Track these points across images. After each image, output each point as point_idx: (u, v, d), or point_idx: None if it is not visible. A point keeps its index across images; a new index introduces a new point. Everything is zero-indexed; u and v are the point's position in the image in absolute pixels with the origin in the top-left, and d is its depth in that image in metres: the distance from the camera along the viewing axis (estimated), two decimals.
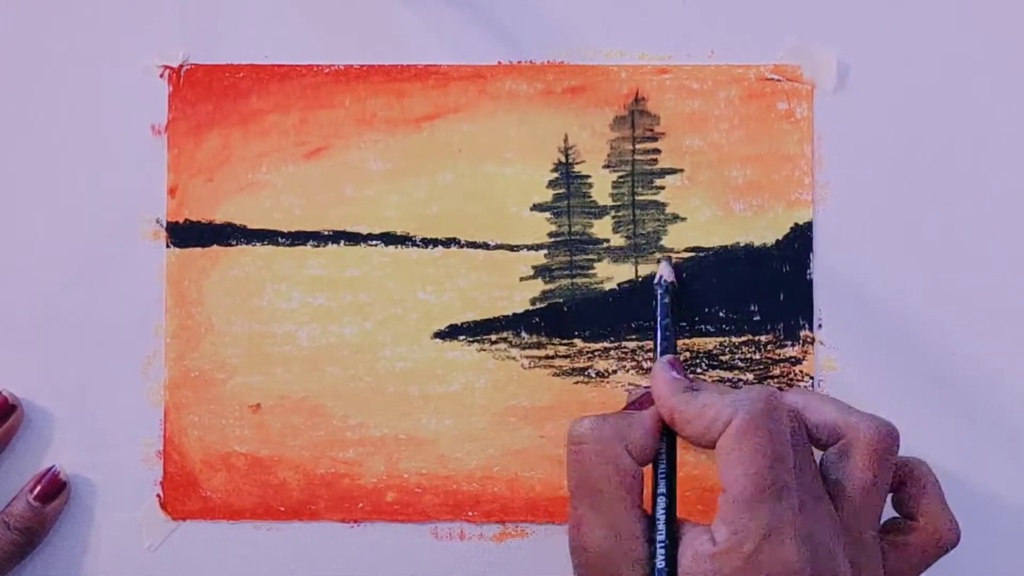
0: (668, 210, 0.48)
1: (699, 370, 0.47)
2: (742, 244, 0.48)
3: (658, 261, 0.47)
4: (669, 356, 0.43)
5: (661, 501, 0.39)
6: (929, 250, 0.48)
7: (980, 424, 0.47)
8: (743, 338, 0.47)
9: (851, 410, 0.40)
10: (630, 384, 0.46)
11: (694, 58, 0.48)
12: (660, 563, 0.38)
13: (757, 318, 0.47)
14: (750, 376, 0.47)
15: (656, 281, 0.46)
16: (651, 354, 0.47)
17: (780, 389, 0.42)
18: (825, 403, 0.41)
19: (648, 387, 0.43)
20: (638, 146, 0.48)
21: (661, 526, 0.39)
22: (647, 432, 0.40)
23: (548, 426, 0.47)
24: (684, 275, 0.47)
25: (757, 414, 0.37)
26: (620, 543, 0.38)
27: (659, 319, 0.45)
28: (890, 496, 0.41)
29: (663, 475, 0.40)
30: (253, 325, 0.48)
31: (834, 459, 0.39)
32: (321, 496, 0.48)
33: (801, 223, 0.48)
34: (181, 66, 0.48)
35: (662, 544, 0.38)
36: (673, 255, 0.47)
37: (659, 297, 0.45)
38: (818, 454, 0.40)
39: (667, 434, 0.41)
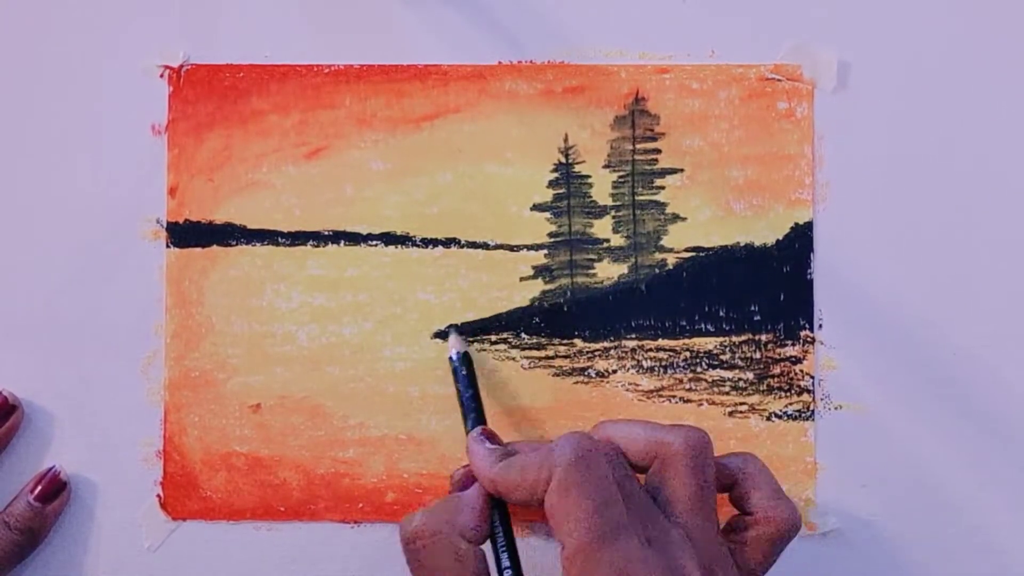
0: (668, 210, 0.48)
1: (699, 370, 0.47)
2: (742, 244, 0.48)
3: (446, 334, 0.47)
4: (480, 428, 0.43)
5: (507, 575, 0.40)
6: (929, 250, 0.48)
7: (980, 424, 0.47)
8: (743, 338, 0.47)
9: (659, 427, 0.40)
10: (456, 469, 0.45)
11: (694, 58, 0.48)
12: None
13: (757, 318, 0.47)
14: (750, 375, 0.47)
15: (449, 356, 0.46)
16: (652, 353, 0.48)
17: (594, 428, 0.42)
18: (634, 428, 0.40)
19: (467, 470, 0.43)
20: (638, 146, 0.48)
21: None
22: (476, 511, 0.40)
23: (548, 426, 0.47)
24: (471, 343, 0.47)
25: (572, 465, 0.37)
26: None
27: (462, 391, 0.45)
28: (728, 496, 0.42)
29: (503, 548, 0.40)
30: (253, 325, 0.48)
31: (656, 479, 0.39)
32: (321, 496, 0.48)
33: (801, 223, 0.48)
34: (181, 66, 0.48)
35: None
36: (456, 327, 0.47)
37: (456, 370, 0.45)
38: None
39: (498, 506, 0.41)
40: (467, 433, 0.44)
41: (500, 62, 0.48)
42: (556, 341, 0.48)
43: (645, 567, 0.36)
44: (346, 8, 0.49)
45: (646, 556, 0.36)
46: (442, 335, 0.48)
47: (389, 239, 0.48)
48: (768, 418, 0.47)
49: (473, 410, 0.44)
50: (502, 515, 0.41)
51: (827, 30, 0.48)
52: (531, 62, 0.48)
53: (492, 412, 0.47)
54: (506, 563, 0.40)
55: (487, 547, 0.41)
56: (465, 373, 0.45)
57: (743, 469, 0.41)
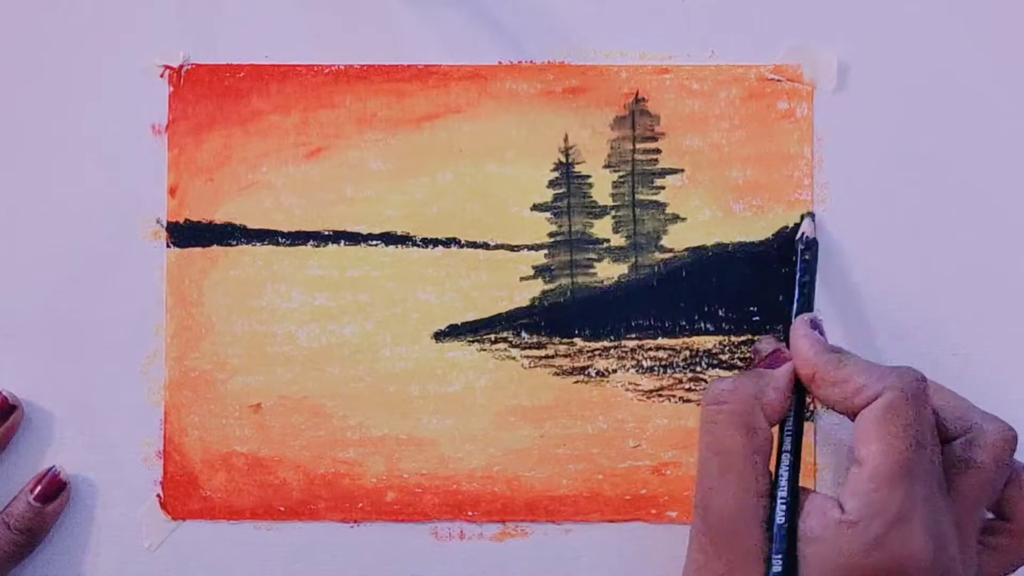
0: (668, 210, 0.48)
1: (699, 369, 0.47)
2: (742, 244, 0.48)
3: (801, 218, 0.47)
4: (810, 314, 0.43)
5: (785, 459, 0.40)
6: (929, 250, 0.48)
7: None
8: (743, 338, 0.47)
9: (976, 408, 0.40)
10: (757, 338, 0.45)
11: (694, 58, 0.48)
12: (780, 519, 0.38)
13: (757, 318, 0.47)
14: None
15: (798, 237, 0.46)
16: (652, 352, 0.48)
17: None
18: (954, 397, 0.41)
19: (776, 345, 0.43)
20: (638, 146, 0.48)
21: (784, 483, 0.39)
22: (781, 391, 0.40)
23: (548, 426, 0.47)
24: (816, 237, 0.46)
25: (908, 394, 0.38)
26: (748, 505, 0.38)
27: (798, 276, 0.44)
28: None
29: (789, 433, 0.40)
30: (253, 325, 0.48)
31: (957, 453, 0.39)
32: (321, 496, 0.48)
33: (802, 223, 0.48)
34: (181, 66, 0.48)
35: (783, 501, 0.38)
36: (808, 215, 0.46)
37: (799, 253, 0.45)
38: None
39: (798, 392, 0.41)
40: (792, 316, 0.43)
41: (500, 62, 0.48)
42: (556, 341, 0.48)
43: (922, 522, 0.36)
44: (346, 8, 0.49)
45: (926, 512, 0.36)
46: (443, 335, 0.48)
47: (389, 239, 0.48)
48: None
49: (804, 296, 0.44)
50: (799, 402, 0.41)
51: (827, 30, 0.48)
52: (531, 62, 0.48)
53: (492, 411, 0.47)
54: (787, 447, 0.40)
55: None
56: (807, 259, 0.44)
57: (1018, 477, 0.40)
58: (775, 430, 0.41)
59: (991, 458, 0.39)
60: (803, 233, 0.46)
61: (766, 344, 0.45)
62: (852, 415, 0.39)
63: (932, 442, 0.38)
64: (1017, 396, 0.47)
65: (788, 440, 0.40)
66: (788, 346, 0.43)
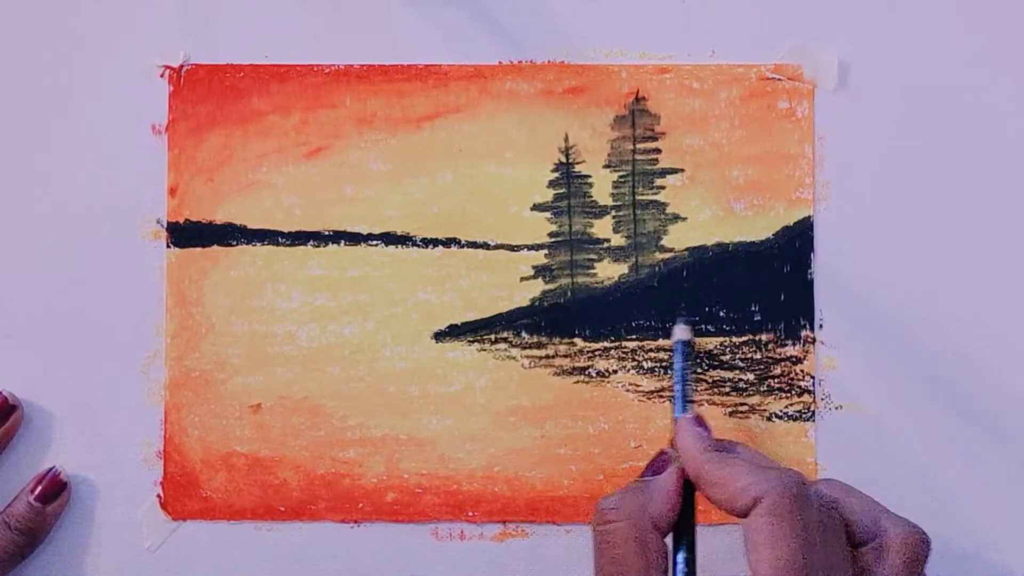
0: (669, 210, 0.48)
1: (699, 370, 0.47)
2: (743, 244, 0.48)
3: (446, 335, 0.47)
4: (693, 413, 0.43)
5: (681, 562, 0.39)
6: (929, 250, 0.47)
7: (980, 424, 0.47)
8: (744, 338, 0.47)
9: (885, 511, 0.40)
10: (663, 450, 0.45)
11: (694, 58, 0.48)
12: None
13: (758, 318, 0.47)
14: (751, 376, 0.47)
15: (674, 341, 0.45)
16: (652, 353, 0.47)
17: (813, 479, 0.42)
18: (860, 500, 0.40)
19: (664, 451, 0.43)
20: (638, 146, 0.48)
21: None
22: (669, 499, 0.40)
23: (548, 426, 0.47)
24: (695, 342, 0.47)
25: (789, 496, 0.37)
26: None
27: (677, 375, 0.44)
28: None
29: (684, 536, 0.39)
30: (253, 325, 0.48)
31: (868, 559, 0.38)
32: (321, 496, 0.48)
33: (802, 223, 0.48)
34: (181, 66, 0.48)
35: None
36: (680, 318, 0.46)
37: (677, 354, 0.44)
38: None
39: (687, 493, 0.40)
40: (675, 415, 0.43)
41: (500, 62, 0.48)
42: (556, 341, 0.48)
43: None
44: (346, 8, 0.49)
45: None
46: (443, 335, 0.48)
47: (389, 239, 0.48)
48: (769, 418, 0.47)
49: (686, 394, 0.43)
50: (688, 503, 0.40)
51: (827, 30, 0.48)
52: (531, 62, 0.48)
53: (492, 411, 0.47)
54: (683, 554, 0.39)
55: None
56: (687, 360, 0.44)
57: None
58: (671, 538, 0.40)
59: (901, 562, 0.38)
60: (679, 339, 0.45)
61: (657, 456, 0.44)
62: (740, 516, 0.38)
63: (828, 543, 0.37)
64: (1017, 396, 0.47)
65: (682, 547, 0.39)
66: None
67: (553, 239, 0.48)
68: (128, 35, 0.49)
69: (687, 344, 0.44)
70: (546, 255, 0.48)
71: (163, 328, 0.48)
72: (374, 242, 0.48)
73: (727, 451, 0.40)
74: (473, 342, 0.48)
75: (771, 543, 0.36)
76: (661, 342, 0.48)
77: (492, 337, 0.48)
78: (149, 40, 0.49)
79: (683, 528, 0.40)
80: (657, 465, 0.42)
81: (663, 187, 0.48)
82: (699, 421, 0.42)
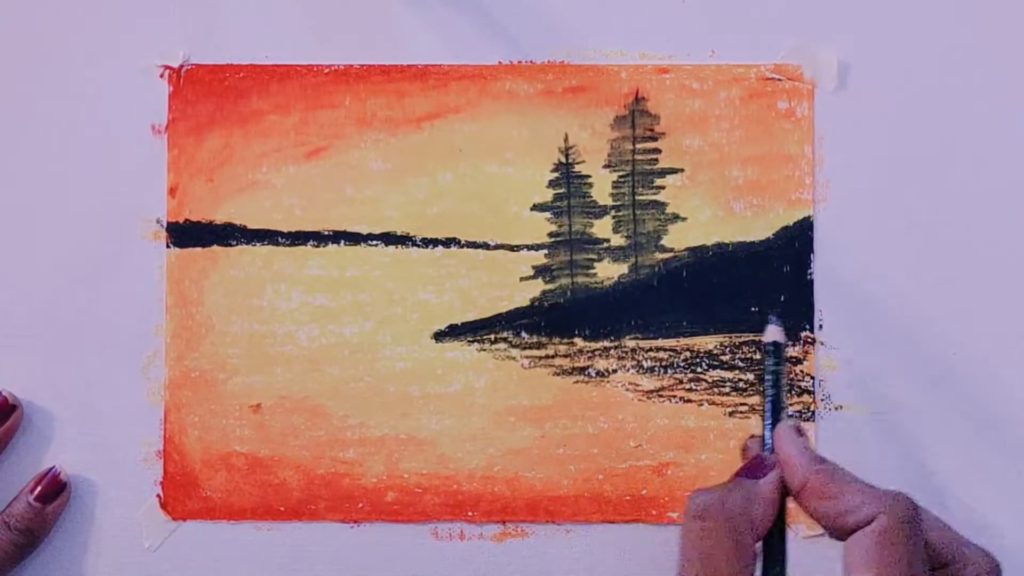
0: (668, 210, 0.48)
1: (699, 370, 0.47)
2: (743, 244, 0.48)
3: (446, 335, 0.47)
4: (794, 421, 0.41)
5: (774, 569, 0.39)
6: (929, 250, 0.48)
7: (980, 424, 0.47)
8: (743, 338, 0.47)
9: (963, 538, 0.39)
10: (748, 439, 0.44)
11: (694, 58, 0.48)
12: None
13: (758, 318, 0.47)
14: (751, 376, 0.47)
15: (765, 343, 0.42)
16: (652, 353, 0.47)
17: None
18: (942, 525, 0.39)
19: (762, 456, 0.42)
20: (638, 146, 0.48)
21: None
22: (771, 506, 0.39)
23: (548, 426, 0.47)
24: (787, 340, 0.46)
25: (903, 522, 0.36)
26: None
27: (768, 383, 0.41)
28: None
29: (776, 545, 0.39)
30: (253, 325, 0.48)
31: None
32: (321, 496, 0.48)
33: (802, 223, 0.48)
34: (181, 66, 0.48)
35: None
36: (773, 317, 0.43)
37: (768, 358, 0.42)
38: None
39: (781, 501, 0.39)
40: (769, 421, 0.41)
41: (500, 62, 0.48)
42: (556, 341, 0.48)
43: None
44: (346, 8, 0.49)
45: None
46: (443, 335, 0.48)
47: (389, 239, 0.48)
48: None
49: (781, 400, 0.41)
50: (782, 512, 0.39)
51: (827, 30, 0.48)
52: (531, 62, 0.48)
53: (492, 411, 0.47)
54: (776, 562, 0.39)
55: None
56: (776, 364, 0.42)
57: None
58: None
59: None
60: (771, 339, 0.42)
61: (752, 443, 0.42)
62: (841, 534, 0.37)
63: (923, 572, 0.37)
64: (1017, 396, 0.47)
65: (774, 555, 0.39)
66: (772, 451, 0.41)
67: (553, 239, 0.48)
68: (128, 35, 0.49)
69: (779, 346, 0.42)
70: (546, 255, 0.48)
71: (163, 328, 0.48)
72: (374, 242, 0.48)
73: (834, 468, 0.39)
74: (473, 342, 0.48)
75: (879, 566, 0.36)
76: (661, 342, 0.48)
77: (492, 337, 0.48)
78: (149, 40, 0.49)
79: (775, 537, 0.39)
80: (755, 468, 0.40)
81: (663, 187, 0.48)
82: (800, 430, 0.41)
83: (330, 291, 0.48)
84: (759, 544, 0.39)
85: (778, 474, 0.39)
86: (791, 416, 0.42)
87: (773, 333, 0.42)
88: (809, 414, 0.47)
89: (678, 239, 0.48)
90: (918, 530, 0.37)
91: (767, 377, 0.41)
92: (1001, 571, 0.39)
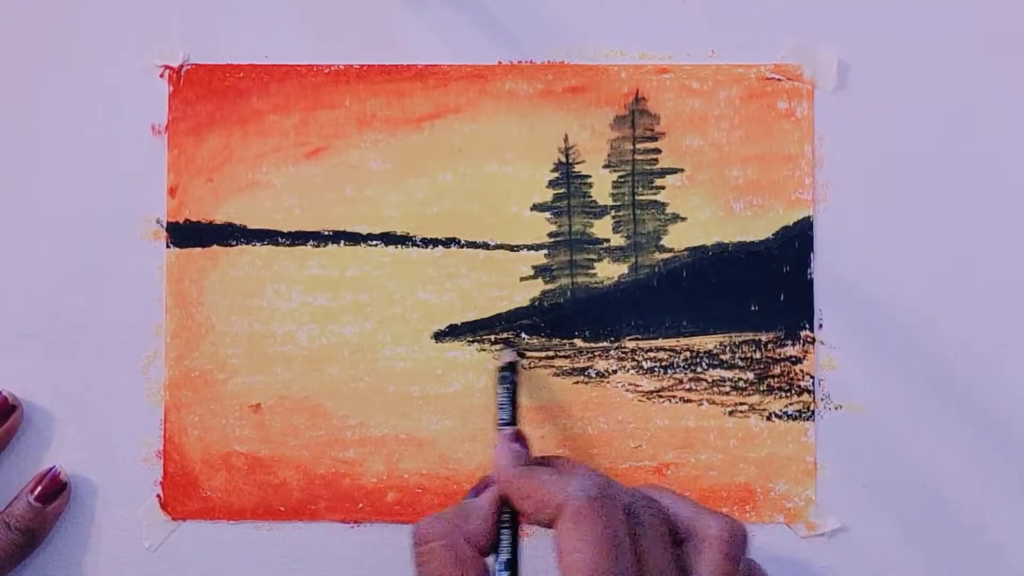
0: (668, 210, 0.48)
1: (699, 370, 0.47)
2: (743, 244, 0.48)
3: (446, 335, 0.47)
4: (513, 428, 0.42)
5: None
6: (929, 250, 0.48)
7: (980, 424, 0.47)
8: (743, 337, 0.47)
9: (703, 508, 0.39)
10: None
11: (694, 58, 0.48)
12: None
13: (758, 318, 0.47)
14: (751, 375, 0.47)
15: (499, 365, 0.46)
16: (652, 353, 0.48)
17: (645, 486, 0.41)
18: (677, 500, 0.40)
19: (487, 476, 0.43)
20: (638, 146, 0.48)
21: None
22: (486, 518, 0.39)
23: (548, 426, 0.47)
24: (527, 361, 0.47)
25: (589, 499, 0.36)
26: None
27: (499, 395, 0.44)
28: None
29: (504, 561, 0.39)
30: (253, 325, 0.48)
31: (688, 554, 0.38)
32: (321, 496, 0.48)
33: (802, 223, 0.48)
34: (181, 66, 0.48)
35: None
36: (505, 345, 0.47)
37: (504, 377, 0.45)
38: None
39: (509, 511, 0.40)
40: (497, 431, 0.43)
41: (500, 62, 0.48)
42: (556, 341, 0.48)
43: None
44: (346, 8, 0.49)
45: None
46: (443, 335, 0.48)
47: (389, 239, 0.48)
48: (768, 418, 0.47)
49: (508, 411, 0.43)
50: (513, 521, 0.40)
51: (827, 30, 0.48)
52: (531, 62, 0.48)
53: (492, 411, 0.47)
54: (502, 569, 0.39)
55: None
56: (508, 377, 0.44)
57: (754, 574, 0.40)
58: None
59: (721, 555, 0.37)
60: (505, 360, 0.46)
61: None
62: (549, 527, 0.38)
63: (648, 544, 0.37)
64: (1017, 396, 0.47)
65: (503, 565, 0.39)
66: None
67: (553, 239, 0.48)
68: (128, 35, 0.49)
69: (509, 367, 0.45)
70: (546, 255, 0.48)
71: (163, 328, 0.48)
72: (374, 242, 0.48)
73: (543, 464, 0.40)
74: (473, 342, 0.48)
75: (576, 549, 0.36)
76: (661, 342, 0.48)
77: (492, 337, 0.48)
78: (149, 40, 0.49)
79: (504, 547, 0.39)
80: (478, 487, 0.42)
81: (663, 187, 0.48)
82: (517, 437, 0.42)
83: (330, 291, 0.48)
84: (492, 558, 0.39)
85: (496, 487, 0.40)
86: (515, 427, 0.43)
87: (508, 356, 0.46)
88: (809, 414, 0.47)
89: (678, 239, 0.48)
90: (610, 506, 0.36)
91: (499, 392, 0.44)
92: (745, 535, 0.38)
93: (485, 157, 0.48)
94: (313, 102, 0.48)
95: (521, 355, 0.47)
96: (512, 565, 0.39)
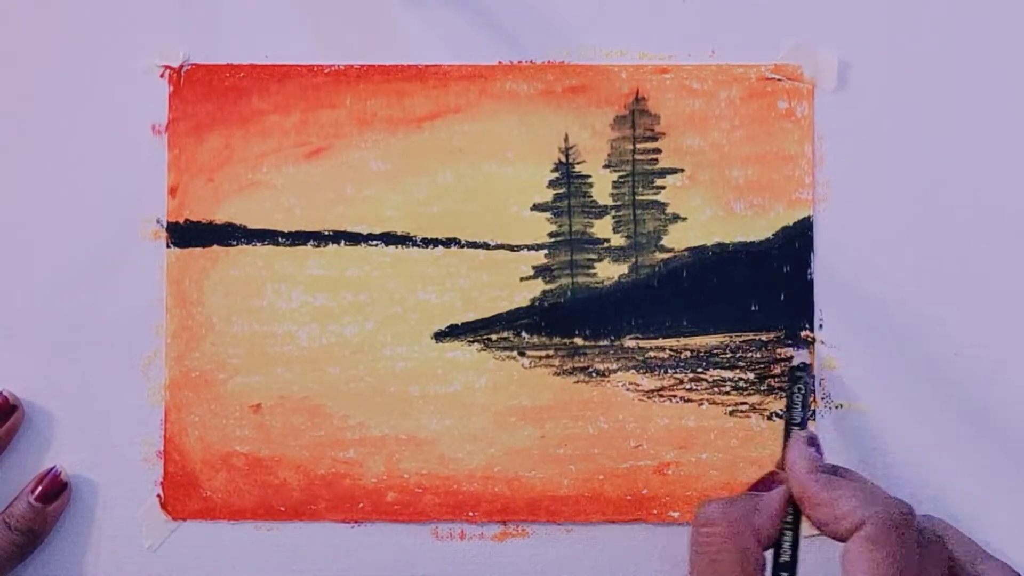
0: (669, 210, 0.48)
1: (699, 369, 0.47)
2: (743, 244, 0.48)
3: (446, 335, 0.47)
4: (810, 431, 0.42)
5: None
6: (929, 250, 0.48)
7: (980, 424, 0.47)
8: (744, 337, 0.47)
9: (983, 551, 0.40)
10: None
11: (694, 58, 0.48)
12: None
13: (758, 318, 0.47)
14: (751, 375, 0.47)
15: (794, 366, 0.46)
16: (652, 353, 0.47)
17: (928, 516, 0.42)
18: (960, 538, 0.40)
19: (774, 472, 0.43)
20: (638, 146, 0.48)
21: None
22: (773, 516, 0.40)
23: (549, 426, 0.47)
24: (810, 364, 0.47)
25: (891, 525, 0.37)
26: None
27: (791, 398, 0.44)
28: None
29: (786, 554, 0.39)
30: (253, 325, 0.48)
31: None
32: (321, 496, 0.48)
33: (802, 223, 0.48)
34: (181, 66, 0.48)
35: None
36: (801, 344, 0.47)
37: (793, 379, 0.45)
38: None
39: (793, 511, 0.40)
40: (789, 432, 0.43)
41: (500, 62, 0.48)
42: (556, 341, 0.48)
43: None
44: (346, 8, 0.49)
45: None
46: (443, 335, 0.48)
47: (389, 239, 0.48)
48: (769, 418, 0.47)
49: (800, 412, 0.43)
50: (795, 520, 0.40)
51: (827, 30, 0.48)
52: (531, 62, 0.48)
53: (492, 411, 0.47)
54: (783, 570, 0.39)
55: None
56: (802, 377, 0.45)
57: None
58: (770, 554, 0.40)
59: None
60: (799, 361, 0.46)
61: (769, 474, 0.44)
62: (840, 540, 0.38)
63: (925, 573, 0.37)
64: (1017, 396, 0.47)
65: (783, 564, 0.39)
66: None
67: (553, 239, 0.48)
68: (128, 35, 0.49)
69: (802, 368, 0.45)
70: (546, 255, 0.48)
71: (163, 328, 0.48)
72: (374, 242, 0.48)
73: (837, 474, 0.40)
74: (473, 342, 0.48)
75: (868, 571, 0.36)
76: (661, 341, 0.48)
77: (492, 337, 0.48)
78: (149, 40, 0.49)
79: (785, 547, 0.40)
80: (765, 483, 0.42)
81: (663, 187, 0.48)
82: (813, 440, 0.42)
83: (330, 291, 0.48)
84: (769, 553, 0.39)
85: (786, 486, 0.40)
86: (810, 428, 0.43)
87: (802, 356, 0.46)
88: (810, 413, 0.47)
89: (678, 239, 0.48)
90: (908, 535, 0.37)
91: (791, 395, 0.44)
92: None
93: (485, 157, 0.48)
94: (313, 102, 0.48)
95: (812, 352, 0.47)
96: (791, 567, 0.39)
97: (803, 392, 0.44)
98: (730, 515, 0.39)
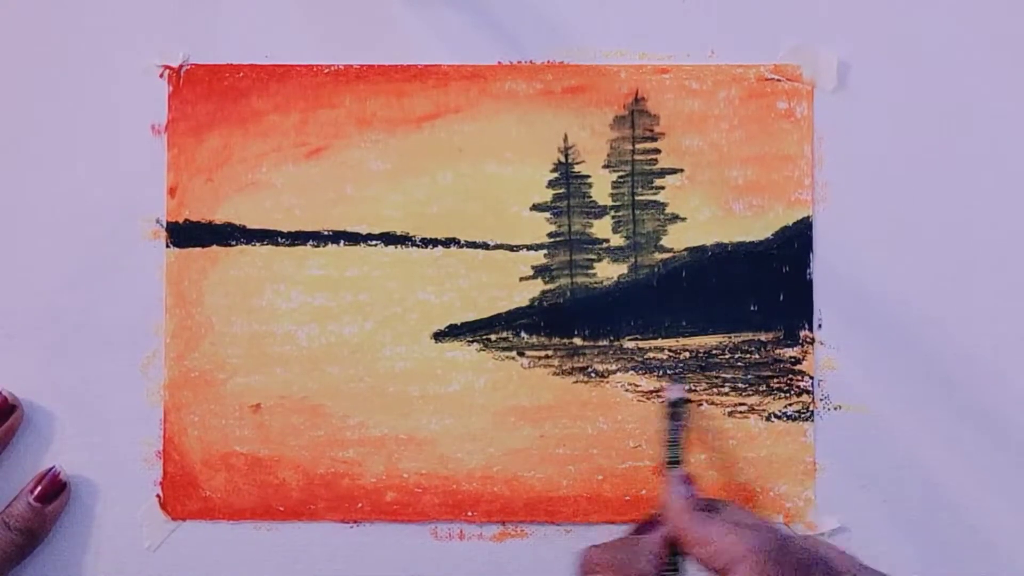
0: (668, 210, 0.48)
1: (699, 369, 0.47)
2: (742, 244, 0.48)
3: (446, 335, 0.48)
4: (681, 471, 0.43)
5: None
6: (929, 250, 0.48)
7: (980, 424, 0.47)
8: (743, 338, 0.47)
9: (863, 565, 0.40)
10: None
11: (694, 58, 0.48)
12: None
13: (757, 318, 0.47)
14: (750, 376, 0.47)
15: (667, 400, 0.46)
16: (651, 353, 0.48)
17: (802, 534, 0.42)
18: (844, 558, 0.40)
19: (655, 514, 0.43)
20: (638, 146, 0.48)
21: None
22: (654, 560, 0.40)
23: (548, 426, 0.47)
24: (689, 392, 0.47)
25: (767, 557, 0.37)
26: None
27: (667, 434, 0.45)
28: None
29: None
30: (253, 325, 0.48)
31: None
32: (321, 496, 0.48)
33: (801, 223, 0.48)
34: (181, 66, 0.48)
35: None
36: (674, 380, 0.47)
37: (669, 414, 0.45)
38: None
39: (674, 552, 0.40)
40: (666, 469, 0.43)
41: (500, 62, 0.48)
42: (556, 341, 0.48)
43: None
44: (346, 8, 0.49)
45: None
46: (442, 335, 0.48)
47: (389, 239, 0.48)
48: (767, 418, 0.47)
49: (676, 450, 0.44)
50: (676, 565, 0.41)
51: (827, 30, 0.48)
52: (531, 62, 0.48)
53: (492, 411, 0.47)
54: None
55: None
56: (677, 419, 0.45)
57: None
58: None
59: None
60: (675, 394, 0.46)
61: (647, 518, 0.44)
62: (720, 575, 0.38)
63: None
64: (1017, 396, 0.47)
65: None
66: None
67: (552, 239, 0.48)
68: (128, 35, 0.49)
69: (679, 403, 0.46)
70: (545, 255, 0.48)
71: (162, 328, 0.48)
72: (374, 242, 0.48)
73: (712, 510, 0.41)
74: (473, 342, 0.48)
75: None
76: (661, 342, 0.48)
77: (491, 337, 0.48)
78: (149, 40, 0.49)
79: None
80: (646, 526, 0.43)
81: (662, 187, 0.48)
82: (686, 479, 0.42)
83: (330, 291, 0.48)
84: None
85: (666, 527, 0.41)
86: (683, 468, 0.44)
87: (676, 391, 0.46)
88: (808, 414, 0.47)
89: (678, 239, 0.48)
90: (790, 561, 0.37)
91: (668, 430, 0.44)
92: None
93: (485, 157, 0.48)
94: (313, 102, 0.48)
95: (685, 388, 0.47)
96: None
97: (679, 430, 0.45)
98: (612, 561, 0.40)
